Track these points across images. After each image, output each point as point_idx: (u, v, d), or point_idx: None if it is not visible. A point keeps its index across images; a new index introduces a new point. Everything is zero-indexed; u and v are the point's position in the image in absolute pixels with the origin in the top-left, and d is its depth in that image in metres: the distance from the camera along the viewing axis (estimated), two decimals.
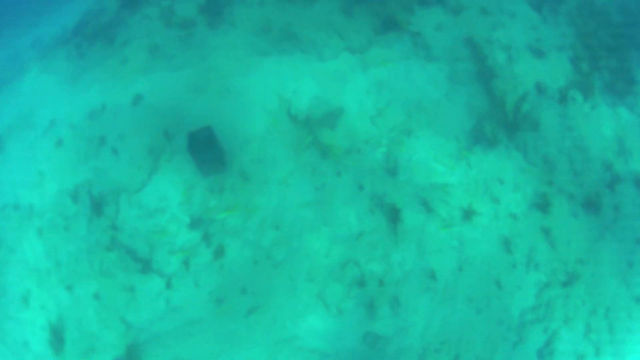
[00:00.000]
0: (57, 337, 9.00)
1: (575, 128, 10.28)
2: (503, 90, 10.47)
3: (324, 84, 10.12)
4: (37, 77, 12.26)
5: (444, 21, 11.16)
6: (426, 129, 9.79)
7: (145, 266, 8.99)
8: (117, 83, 11.32)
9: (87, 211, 9.74)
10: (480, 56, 10.93)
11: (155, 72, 11.17)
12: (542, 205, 9.38)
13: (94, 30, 12.39)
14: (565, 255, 9.20)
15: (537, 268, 9.01)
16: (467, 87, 10.55)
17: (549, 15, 11.85)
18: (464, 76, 10.62)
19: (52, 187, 10.31)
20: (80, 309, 9.06)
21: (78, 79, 11.78)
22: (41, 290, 9.52)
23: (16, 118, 11.67)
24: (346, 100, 9.97)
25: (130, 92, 10.96)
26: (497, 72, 10.64)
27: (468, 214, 9.02)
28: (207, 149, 9.18)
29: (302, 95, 9.99)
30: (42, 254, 9.73)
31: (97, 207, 9.73)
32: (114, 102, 11.00)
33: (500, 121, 9.99)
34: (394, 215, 8.81)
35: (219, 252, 8.77)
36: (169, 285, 8.78)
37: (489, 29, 11.35)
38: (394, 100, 9.98)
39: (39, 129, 11.29)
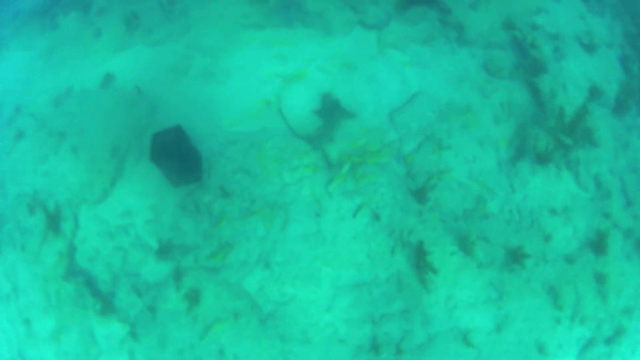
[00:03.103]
0: None
1: (631, 145, 5.15)
2: (551, 90, 5.75)
3: (330, 67, 5.49)
4: (13, 54, 7.49)
5: None
6: (459, 133, 5.26)
7: (106, 305, 4.87)
8: (88, 60, 6.55)
9: (43, 226, 5.76)
10: (522, 44, 5.90)
11: (131, 48, 6.36)
12: (597, 244, 4.57)
13: None
14: (614, 305, 4.59)
15: (583, 322, 4.44)
16: (506, 81, 5.76)
17: (595, 4, 6.57)
18: (503, 67, 5.81)
19: (11, 191, 6.10)
20: (39, 350, 5.25)
21: (51, 55, 6.96)
22: (2, 317, 5.83)
23: None
24: (358, 92, 5.36)
25: (100, 72, 6.03)
26: (545, 65, 5.78)
27: (512, 256, 4.38)
28: (175, 156, 4.25)
29: (303, 83, 5.42)
30: (2, 274, 5.86)
31: (54, 221, 5.65)
32: (82, 85, 6.23)
33: (550, 129, 5.40)
34: (420, 257, 4.19)
35: (193, 299, 4.28)
36: (133, 334, 4.46)
37: (532, 12, 6.24)
38: (420, 94, 5.40)
39: (5, 116, 6.82)
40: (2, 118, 6.16)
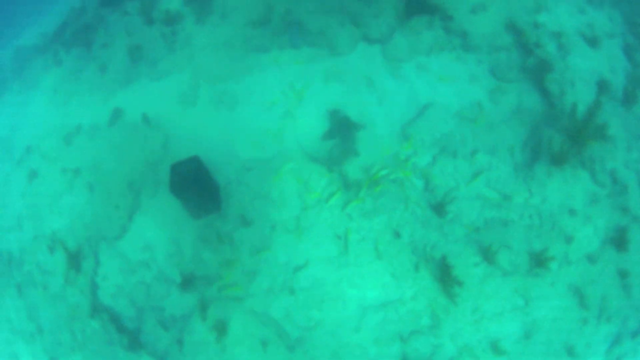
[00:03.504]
0: None
1: None
2: (560, 88, 5.65)
3: (338, 85, 5.36)
4: (17, 93, 7.26)
5: (479, 1, 6.03)
6: (472, 141, 5.17)
7: (133, 340, 4.62)
8: (95, 96, 6.20)
9: (64, 266, 5.68)
10: (527, 45, 5.63)
11: (137, 81, 6.13)
12: (618, 240, 4.45)
13: (73, 33, 7.21)
14: (638, 298, 4.45)
15: (609, 320, 4.34)
16: (514, 84, 5.49)
17: None
18: (510, 70, 5.68)
19: (28, 232, 5.77)
20: None
21: (56, 92, 6.80)
22: (28, 356, 5.71)
23: None
24: (368, 108, 4.70)
25: (108, 107, 5.56)
26: (551, 64, 5.65)
27: (536, 261, 4.42)
28: (195, 187, 4.20)
29: (312, 103, 5.36)
30: (24, 314, 5.79)
31: (75, 260, 5.48)
32: (91, 121, 5.88)
33: (562, 129, 5.29)
34: (444, 272, 4.04)
35: (220, 329, 4.11)
36: None
37: (532, 10, 6.13)
38: (430, 106, 4.79)
39: (15, 156, 6.50)
40: (12, 159, 6.13)
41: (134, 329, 4.49)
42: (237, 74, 5.11)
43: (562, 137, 4.62)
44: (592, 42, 5.44)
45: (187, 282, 4.41)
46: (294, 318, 4.13)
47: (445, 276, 4.05)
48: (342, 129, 4.57)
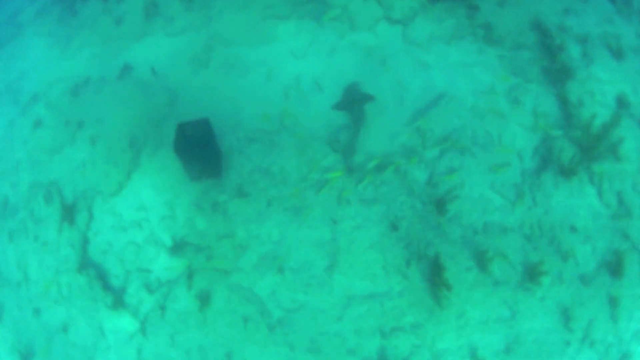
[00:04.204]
0: None
1: None
2: (579, 97, 5.42)
3: (352, 64, 4.62)
4: (30, 41, 7.23)
5: None
6: (483, 140, 4.86)
7: (117, 300, 4.38)
8: (107, 49, 6.17)
9: (57, 217, 5.57)
10: (551, 46, 5.56)
11: (150, 37, 5.95)
12: (614, 265, 4.26)
13: None
14: (624, 329, 4.30)
15: (592, 346, 4.18)
16: (534, 85, 5.32)
17: (624, 8, 6.05)
18: (531, 70, 5.42)
19: (26, 179, 5.87)
20: (49, 341, 5.12)
21: (69, 42, 6.70)
22: (12, 306, 5.66)
23: (3, 87, 7.05)
24: (380, 92, 4.44)
25: (119, 61, 5.34)
26: (573, 71, 5.42)
27: (529, 274, 4.06)
28: (199, 150, 4.05)
29: (325, 79, 5.11)
30: (13, 262, 5.72)
31: (69, 212, 5.45)
32: (100, 74, 5.90)
33: (575, 140, 5.10)
34: (435, 272, 3.90)
35: (204, 299, 4.02)
36: (143, 331, 4.19)
37: (560, 12, 5.83)
38: (444, 97, 4.47)
39: (22, 103, 6.56)
40: (18, 105, 5.96)
41: (119, 289, 4.40)
42: (253, 40, 4.85)
43: (574, 149, 4.39)
44: (617, 54, 5.12)
45: (177, 248, 4.29)
46: (279, 298, 4.00)
47: (435, 277, 3.89)
48: (353, 108, 4.34)
